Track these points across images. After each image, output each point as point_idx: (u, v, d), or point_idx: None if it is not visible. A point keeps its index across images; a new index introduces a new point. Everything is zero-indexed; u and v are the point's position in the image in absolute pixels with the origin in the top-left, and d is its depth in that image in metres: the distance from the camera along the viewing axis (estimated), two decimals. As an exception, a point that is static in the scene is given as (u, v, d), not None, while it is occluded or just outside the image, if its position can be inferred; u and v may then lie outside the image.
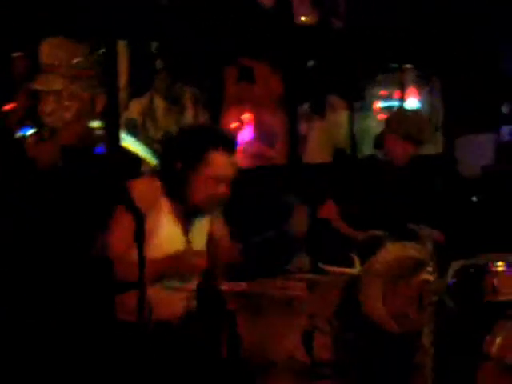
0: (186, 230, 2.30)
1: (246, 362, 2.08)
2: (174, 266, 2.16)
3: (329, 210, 3.20)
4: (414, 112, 3.62)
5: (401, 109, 4.25)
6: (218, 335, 2.11)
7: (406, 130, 3.13)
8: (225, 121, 3.90)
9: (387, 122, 3.31)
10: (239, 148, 3.99)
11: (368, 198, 3.13)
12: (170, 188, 2.23)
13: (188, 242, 2.30)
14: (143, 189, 2.15)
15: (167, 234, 2.19)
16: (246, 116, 4.03)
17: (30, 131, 3.11)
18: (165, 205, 2.23)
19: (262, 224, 2.98)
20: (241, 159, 3.97)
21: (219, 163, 2.19)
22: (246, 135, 4.03)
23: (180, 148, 2.26)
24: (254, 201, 3.87)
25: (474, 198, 4.80)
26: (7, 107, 3.06)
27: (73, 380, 2.46)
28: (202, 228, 2.36)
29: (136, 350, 1.94)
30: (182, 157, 2.20)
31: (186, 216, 2.29)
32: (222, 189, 2.21)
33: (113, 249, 2.22)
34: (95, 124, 3.37)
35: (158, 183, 2.24)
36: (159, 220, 2.19)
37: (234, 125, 3.96)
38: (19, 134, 3.09)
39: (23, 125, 3.10)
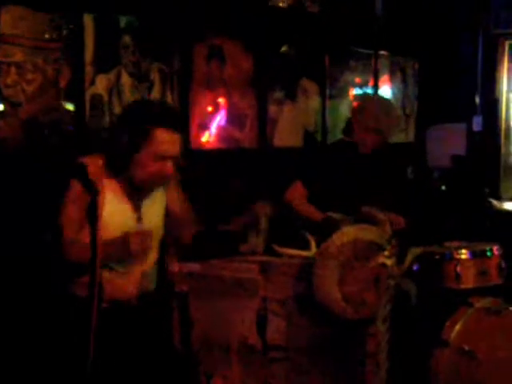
0: (137, 207, 2.23)
1: (197, 345, 2.04)
2: (119, 248, 2.09)
3: (296, 192, 3.18)
4: (379, 101, 3.52)
5: (365, 98, 4.23)
6: (170, 317, 2.06)
7: (366, 122, 3.12)
8: (195, 101, 3.83)
9: (352, 111, 3.32)
10: (214, 132, 3.96)
11: (332, 180, 3.10)
12: (116, 166, 2.16)
13: (139, 219, 2.23)
14: (92, 166, 2.08)
15: (112, 214, 2.10)
16: (222, 100, 3.97)
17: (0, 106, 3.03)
18: (109, 183, 2.15)
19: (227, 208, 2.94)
20: (212, 142, 3.94)
21: (163, 140, 2.12)
22: (221, 119, 3.98)
23: (125, 124, 2.19)
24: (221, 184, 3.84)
25: (443, 188, 4.81)
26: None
27: (25, 353, 2.41)
28: (155, 202, 2.29)
29: (87, 327, 1.87)
30: (126, 133, 2.14)
31: (136, 193, 2.22)
32: (167, 167, 2.15)
33: (65, 229, 2.16)
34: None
35: (101, 161, 2.17)
36: (103, 199, 2.14)
37: (209, 108, 3.90)
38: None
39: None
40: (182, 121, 2.29)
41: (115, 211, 2.12)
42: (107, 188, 2.12)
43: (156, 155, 2.13)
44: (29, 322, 2.59)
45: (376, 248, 1.88)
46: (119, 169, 2.18)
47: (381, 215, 2.05)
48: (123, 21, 3.46)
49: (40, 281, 2.69)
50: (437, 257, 3.02)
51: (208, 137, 3.94)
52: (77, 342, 1.94)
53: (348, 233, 1.84)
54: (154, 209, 2.29)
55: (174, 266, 2.05)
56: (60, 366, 2.12)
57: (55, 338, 2.20)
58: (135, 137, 2.13)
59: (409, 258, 2.15)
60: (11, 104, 3.07)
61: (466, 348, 2.54)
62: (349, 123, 3.32)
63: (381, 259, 1.88)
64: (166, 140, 2.13)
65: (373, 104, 3.27)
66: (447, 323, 2.67)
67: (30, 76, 3.12)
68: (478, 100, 5.31)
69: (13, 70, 3.05)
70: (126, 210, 2.21)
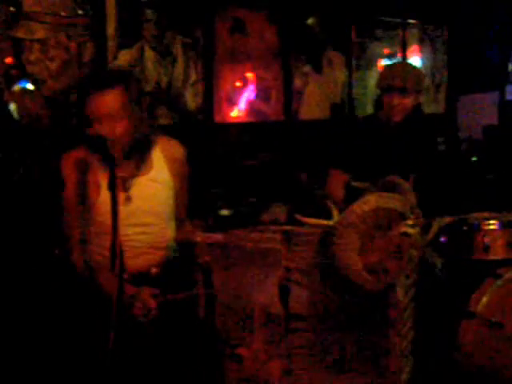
0: (124, 187, 2.16)
1: (220, 315, 2.04)
2: None
3: (338, 183, 3.08)
4: (399, 63, 3.59)
5: (386, 64, 4.22)
6: (192, 288, 2.07)
7: (385, 81, 3.05)
8: (220, 75, 3.82)
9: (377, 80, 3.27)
10: (244, 107, 3.95)
11: (359, 152, 3.05)
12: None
13: (127, 199, 2.18)
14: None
15: (104, 201, 2.01)
16: (250, 75, 3.95)
17: (30, 85, 3.06)
18: (99, 170, 2.13)
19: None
20: (241, 116, 3.93)
21: (90, 103, 2.11)
22: (249, 94, 3.96)
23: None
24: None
25: (474, 158, 4.72)
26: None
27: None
28: (151, 180, 2.24)
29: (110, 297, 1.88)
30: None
31: (121, 173, 2.08)
32: (103, 128, 2.10)
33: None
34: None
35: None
36: (98, 187, 2.15)
37: (238, 83, 3.89)
38: (18, 86, 3.03)
39: (8, 75, 3.04)
40: (104, 80, 2.21)
41: (106, 197, 1.97)
42: (100, 176, 2.12)
43: (90, 119, 2.11)
44: (50, 298, 2.62)
45: (398, 217, 1.84)
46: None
47: (405, 184, 2.01)
48: (145, -5, 3.45)
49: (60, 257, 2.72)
50: (465, 227, 2.96)
51: (237, 112, 3.93)
52: (100, 314, 1.96)
53: (369, 201, 1.81)
54: (150, 186, 2.25)
55: (197, 236, 2.04)
56: (85, 341, 2.14)
57: (78, 312, 2.22)
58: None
59: (434, 228, 2.10)
60: (35, 81, 3.10)
61: (494, 320, 2.50)
62: (378, 96, 3.28)
63: (403, 228, 1.84)
64: (93, 100, 2.11)
65: (390, 65, 3.39)
66: (474, 295, 2.62)
67: (53, 53, 3.15)
68: (510, 68, 5.17)
69: (36, 46, 3.08)
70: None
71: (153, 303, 2.11)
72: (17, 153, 2.95)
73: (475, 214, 3.14)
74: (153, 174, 2.26)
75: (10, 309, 2.64)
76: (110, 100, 2.11)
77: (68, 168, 2.16)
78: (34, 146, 3.02)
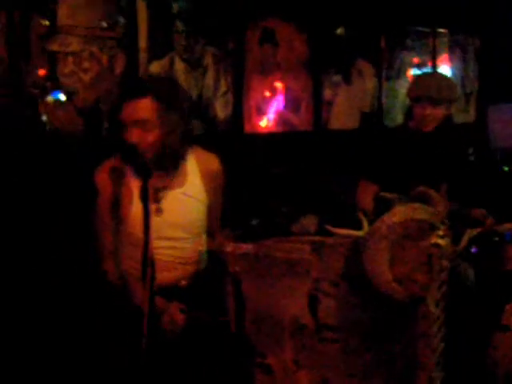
0: (155, 199, 2.17)
1: (250, 326, 2.05)
2: None
3: (368, 195, 3.06)
4: (430, 73, 3.53)
5: (418, 74, 4.20)
6: (223, 298, 2.08)
7: (416, 91, 3.02)
8: (250, 85, 3.84)
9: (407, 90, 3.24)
10: (273, 116, 3.97)
11: (393, 165, 3.02)
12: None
13: (158, 210, 2.18)
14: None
15: (136, 212, 2.03)
16: (279, 84, 3.97)
17: (62, 96, 3.12)
18: (132, 182, 2.13)
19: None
20: (270, 126, 3.95)
21: (124, 108, 2.11)
22: (278, 104, 3.98)
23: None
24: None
25: (506, 169, 4.66)
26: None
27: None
28: (184, 193, 2.24)
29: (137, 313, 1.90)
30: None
31: (153, 185, 2.08)
32: (130, 133, 2.11)
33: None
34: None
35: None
36: (130, 198, 2.16)
37: (267, 93, 3.92)
38: (52, 97, 3.09)
39: (43, 87, 3.10)
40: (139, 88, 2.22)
41: (138, 208, 1.98)
42: (134, 187, 2.12)
43: (124, 124, 2.11)
44: (83, 309, 2.65)
45: (428, 228, 1.83)
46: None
47: (435, 194, 2.00)
48: (176, 6, 3.50)
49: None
50: (496, 238, 2.93)
51: (266, 122, 3.95)
52: (132, 325, 1.98)
53: (399, 212, 1.80)
54: (182, 200, 2.24)
55: (228, 247, 2.06)
56: (116, 352, 2.16)
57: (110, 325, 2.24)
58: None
59: (465, 238, 2.08)
60: (68, 93, 3.16)
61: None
62: (408, 106, 3.26)
63: (433, 239, 1.83)
64: (126, 107, 2.12)
65: (421, 75, 3.35)
66: (507, 307, 2.59)
67: (86, 65, 3.21)
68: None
69: (70, 59, 3.14)
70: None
71: (180, 318, 2.12)
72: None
73: (507, 225, 3.10)
74: (186, 187, 2.25)
75: (41, 317, 2.68)
76: (141, 107, 2.11)
77: (102, 178, 2.18)
78: (66, 157, 3.07)
